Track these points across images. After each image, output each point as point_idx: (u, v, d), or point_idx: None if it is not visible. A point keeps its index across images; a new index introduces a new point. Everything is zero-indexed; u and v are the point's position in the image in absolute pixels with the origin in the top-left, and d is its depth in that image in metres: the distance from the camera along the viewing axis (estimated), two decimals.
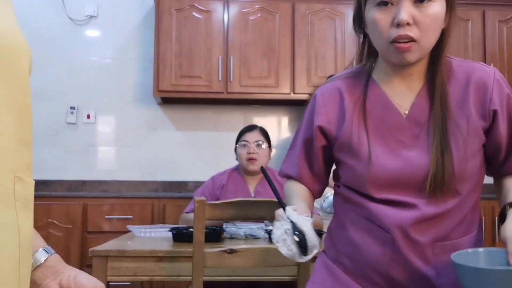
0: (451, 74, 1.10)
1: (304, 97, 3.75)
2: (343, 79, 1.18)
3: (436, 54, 1.09)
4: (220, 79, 3.66)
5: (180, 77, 3.66)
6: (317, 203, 2.83)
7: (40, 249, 0.83)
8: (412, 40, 1.02)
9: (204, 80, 3.67)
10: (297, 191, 1.22)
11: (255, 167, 2.59)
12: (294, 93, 3.74)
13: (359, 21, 1.14)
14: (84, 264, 3.30)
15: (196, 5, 3.71)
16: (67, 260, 3.30)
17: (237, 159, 2.69)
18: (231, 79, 3.67)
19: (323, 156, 1.21)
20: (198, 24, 3.70)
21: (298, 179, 1.23)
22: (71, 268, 0.84)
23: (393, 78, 1.12)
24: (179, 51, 3.67)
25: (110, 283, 1.86)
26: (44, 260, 0.82)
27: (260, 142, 2.63)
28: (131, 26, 4.05)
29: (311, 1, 3.79)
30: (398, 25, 1.01)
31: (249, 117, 4.06)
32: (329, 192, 2.89)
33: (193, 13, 3.71)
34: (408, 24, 1.01)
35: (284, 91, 3.74)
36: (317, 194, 1.26)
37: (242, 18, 3.74)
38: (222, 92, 3.68)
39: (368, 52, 1.18)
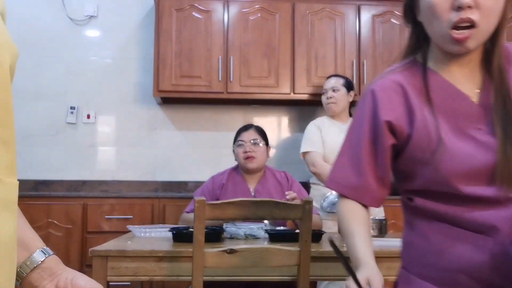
0: (511, 57, 1.08)
1: (304, 97, 3.75)
2: (399, 72, 1.11)
3: (493, 39, 1.05)
4: (220, 79, 3.66)
5: (180, 77, 3.66)
6: (316, 203, 2.83)
7: (38, 250, 0.81)
8: (472, 25, 0.98)
9: (204, 80, 3.67)
10: (358, 224, 1.10)
11: (253, 165, 2.59)
12: (294, 93, 3.74)
13: (411, 9, 1.09)
14: (84, 264, 3.30)
15: (196, 5, 3.71)
16: (67, 260, 3.32)
17: (236, 160, 2.69)
18: (231, 79, 3.67)
19: (390, 157, 1.10)
20: (198, 24, 3.70)
21: (363, 187, 1.12)
22: (70, 270, 0.83)
23: (451, 66, 1.07)
24: (179, 51, 3.67)
25: (110, 283, 1.86)
26: (41, 261, 0.80)
27: (257, 140, 2.63)
28: (131, 26, 4.05)
29: (311, 1, 3.79)
30: (459, 8, 0.97)
31: (249, 117, 4.06)
32: (328, 192, 2.89)
33: (193, 13, 3.71)
34: (469, 7, 0.97)
35: (284, 91, 3.74)
36: (380, 203, 1.15)
37: (242, 18, 3.74)
38: (222, 92, 3.68)
39: (417, 43, 1.12)
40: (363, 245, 1.08)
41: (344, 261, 0.98)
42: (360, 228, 1.11)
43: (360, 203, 1.13)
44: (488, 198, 0.99)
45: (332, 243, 1.00)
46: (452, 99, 1.05)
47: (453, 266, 1.02)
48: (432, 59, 1.09)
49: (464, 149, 1.00)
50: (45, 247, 0.83)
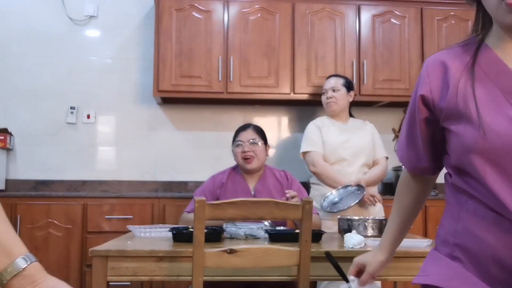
0: None
1: (304, 97, 3.75)
2: (449, 49, 1.12)
3: None
4: (220, 79, 3.66)
5: (180, 77, 3.66)
6: (316, 203, 2.83)
7: (19, 257, 0.79)
8: None
9: (204, 80, 3.67)
10: (402, 202, 1.27)
11: (252, 165, 2.59)
12: (294, 93, 3.74)
13: None
14: (84, 264, 3.30)
15: (196, 5, 3.71)
16: (67, 260, 3.32)
17: (235, 160, 2.69)
18: (231, 79, 3.67)
19: (426, 131, 1.12)
20: (198, 24, 3.70)
21: (404, 156, 1.21)
22: (51, 278, 0.81)
23: (508, 42, 1.03)
24: (179, 51, 3.67)
25: (110, 283, 1.86)
26: (23, 268, 0.79)
27: (256, 140, 2.63)
28: (131, 26, 4.05)
29: (311, 1, 3.79)
30: None
31: (249, 117, 4.05)
32: (328, 192, 2.89)
33: (193, 13, 3.71)
34: None
35: (284, 91, 3.74)
36: (419, 172, 1.22)
37: (242, 18, 3.74)
38: (222, 92, 3.68)
39: (484, 22, 1.11)
40: (388, 229, 1.31)
41: (338, 269, 1.02)
42: (399, 208, 1.28)
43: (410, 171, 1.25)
44: None
45: (328, 254, 1.05)
46: (498, 76, 1.02)
47: (483, 251, 0.98)
48: (491, 37, 1.08)
49: (498, 126, 0.96)
50: (28, 253, 0.81)
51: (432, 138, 1.13)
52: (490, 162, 0.96)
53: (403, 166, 1.29)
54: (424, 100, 1.09)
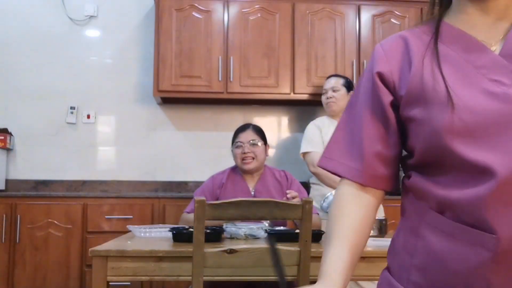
0: None
1: (304, 97, 3.75)
2: (408, 30, 0.98)
3: None
4: (220, 79, 3.66)
5: (180, 77, 3.66)
6: (316, 203, 2.83)
7: None
8: None
9: (204, 80, 3.67)
10: (344, 227, 0.91)
11: (250, 165, 2.58)
12: (294, 93, 3.74)
13: None
14: (84, 264, 3.30)
15: (196, 5, 3.71)
16: (67, 260, 3.32)
17: (234, 160, 2.69)
18: (231, 79, 3.67)
19: (396, 120, 0.93)
20: (198, 24, 3.70)
21: (362, 165, 0.93)
22: None
23: (474, 15, 0.91)
24: (179, 51, 3.67)
25: (110, 283, 1.86)
26: None
27: (256, 140, 2.63)
28: (131, 26, 4.05)
29: (311, 1, 3.79)
30: None
31: (249, 117, 4.06)
32: (329, 192, 2.89)
33: (193, 13, 3.71)
34: None
35: (284, 91, 3.74)
36: (380, 184, 0.95)
37: (242, 18, 3.74)
38: (222, 92, 3.69)
39: (440, 2, 0.98)
40: (336, 255, 0.89)
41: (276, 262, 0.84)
42: (342, 234, 0.91)
43: (359, 184, 0.95)
44: (489, 168, 0.78)
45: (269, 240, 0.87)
46: (466, 51, 0.89)
47: (447, 272, 0.82)
48: (451, 13, 0.96)
49: (468, 101, 0.83)
50: None
51: (399, 128, 0.93)
52: (465, 141, 0.81)
53: (339, 184, 0.97)
54: (383, 79, 0.92)
